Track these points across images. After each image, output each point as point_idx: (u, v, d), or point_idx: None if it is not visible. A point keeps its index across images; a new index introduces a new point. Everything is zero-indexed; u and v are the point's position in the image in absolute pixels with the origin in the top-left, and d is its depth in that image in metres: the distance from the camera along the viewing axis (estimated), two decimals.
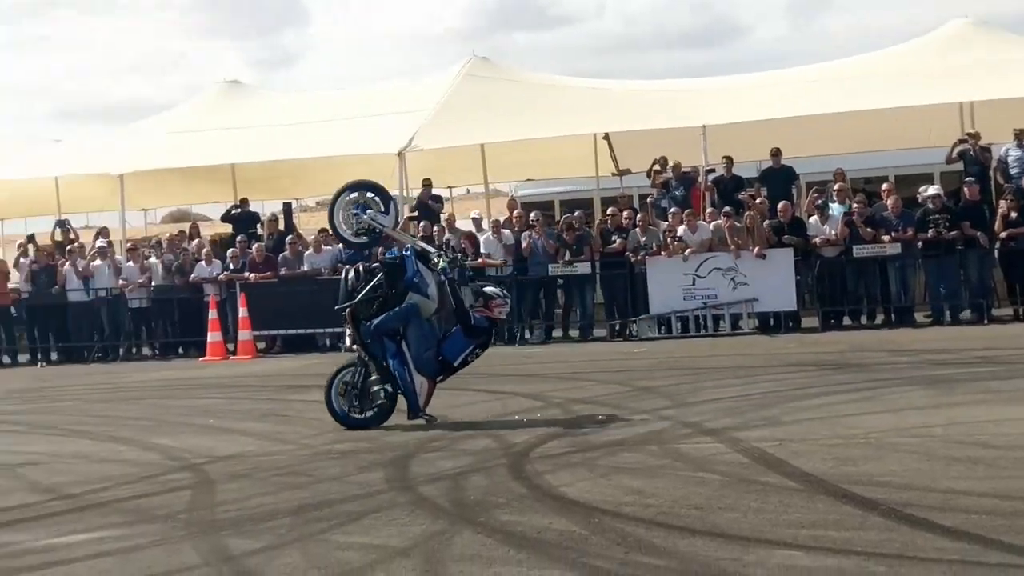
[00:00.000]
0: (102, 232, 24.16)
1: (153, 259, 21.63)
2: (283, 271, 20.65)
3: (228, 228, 24.82)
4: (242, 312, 19.76)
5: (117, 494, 8.21)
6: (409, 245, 10.90)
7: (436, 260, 10.51)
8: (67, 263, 21.38)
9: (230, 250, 21.18)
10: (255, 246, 21.05)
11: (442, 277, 10.48)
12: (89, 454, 10.08)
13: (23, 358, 21.87)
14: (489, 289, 10.72)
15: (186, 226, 27.94)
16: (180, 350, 21.16)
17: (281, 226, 23.31)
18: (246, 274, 20.48)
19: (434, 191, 22.50)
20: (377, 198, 11.25)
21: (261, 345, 20.42)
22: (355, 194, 11.26)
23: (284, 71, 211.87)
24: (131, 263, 21.45)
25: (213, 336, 19.75)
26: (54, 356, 21.50)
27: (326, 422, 11.07)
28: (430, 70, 29.75)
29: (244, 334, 19.74)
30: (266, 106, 26.50)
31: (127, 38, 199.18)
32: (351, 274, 10.71)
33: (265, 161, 24.53)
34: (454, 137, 22.63)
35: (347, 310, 10.50)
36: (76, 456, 10.01)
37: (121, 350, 21.27)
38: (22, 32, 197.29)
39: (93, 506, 7.84)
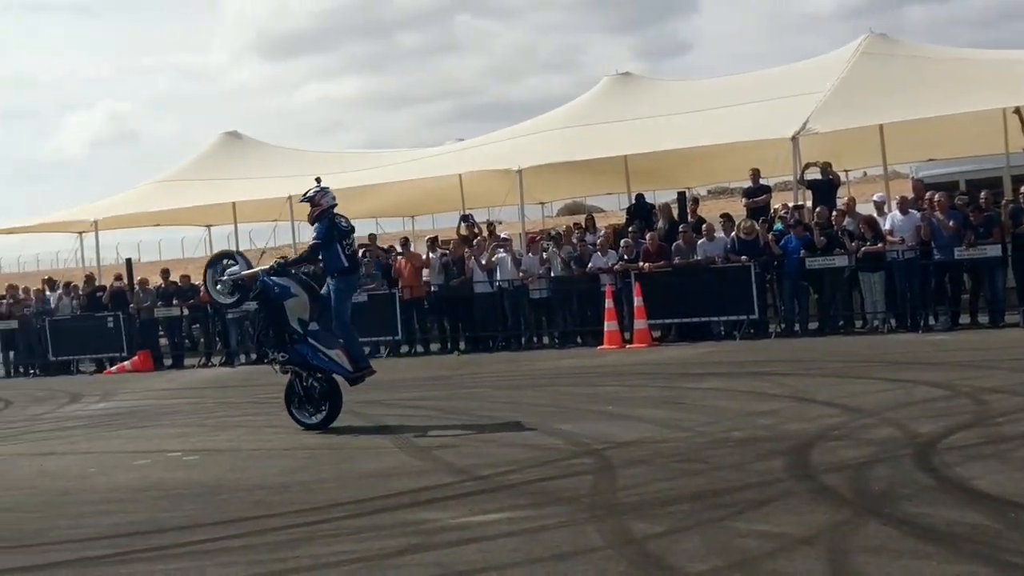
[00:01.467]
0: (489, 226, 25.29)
1: (552, 250, 22.32)
2: (676, 260, 20.79)
3: (622, 218, 25.25)
4: (637, 301, 20.06)
5: (524, 476, 8.58)
6: (260, 274, 12.24)
7: (273, 266, 12.15)
8: (472, 256, 22.47)
9: (623, 240, 21.53)
10: (648, 236, 21.30)
11: (293, 271, 12.30)
12: (497, 438, 10.58)
13: (434, 347, 23.17)
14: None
15: (581, 218, 28.74)
16: (578, 339, 21.73)
17: (675, 215, 23.44)
18: (640, 263, 20.77)
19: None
20: (228, 260, 12.94)
21: (656, 333, 20.67)
22: (211, 269, 12.85)
23: (674, 60, 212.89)
24: (531, 255, 22.28)
25: (610, 325, 20.16)
26: (462, 345, 22.62)
27: (723, 409, 11.15)
28: (822, 50, 29.00)
29: (639, 323, 20.04)
30: (657, 96, 26.73)
31: (521, 39, 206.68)
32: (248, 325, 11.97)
33: (657, 151, 24.74)
34: (851, 118, 21.95)
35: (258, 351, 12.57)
36: (486, 440, 10.53)
37: (523, 339, 22.12)
38: (428, 38, 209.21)
39: (503, 487, 8.23)
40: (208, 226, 36.23)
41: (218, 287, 12.67)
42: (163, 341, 25.89)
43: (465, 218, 27.22)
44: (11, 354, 26.96)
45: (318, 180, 12.68)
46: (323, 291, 12.38)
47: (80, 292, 26.52)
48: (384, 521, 7.43)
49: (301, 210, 27.39)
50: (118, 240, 39.47)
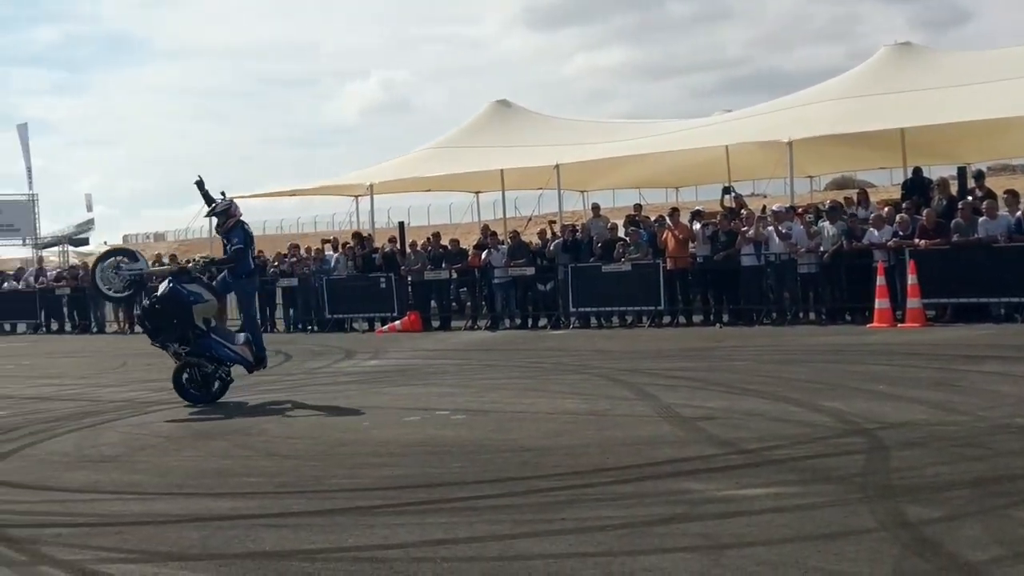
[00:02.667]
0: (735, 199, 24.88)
1: (823, 224, 21.74)
2: (955, 237, 19.89)
3: (893, 194, 24.36)
4: (911, 279, 19.30)
5: (791, 452, 8.39)
6: (169, 277, 13.28)
7: (193, 267, 13.48)
8: (741, 228, 22.15)
9: (898, 215, 20.74)
10: (925, 212, 20.46)
11: (204, 277, 13.37)
12: (762, 412, 10.39)
13: (697, 318, 22.99)
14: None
15: (851, 192, 27.89)
16: (847, 316, 21.12)
17: (954, 191, 22.43)
18: (916, 240, 19.98)
19: None
20: (124, 257, 13.83)
21: (931, 313, 19.87)
22: (107, 262, 13.73)
23: (955, 30, 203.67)
24: (800, 228, 21.75)
25: (881, 303, 19.50)
26: (725, 317, 22.35)
27: (1005, 394, 10.66)
28: None
29: (913, 301, 19.28)
30: (937, 67, 25.65)
31: (793, 8, 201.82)
32: (141, 315, 13.40)
33: (936, 125, 23.73)
34: None
35: (155, 344, 13.27)
36: (750, 413, 10.36)
37: (788, 314, 21.67)
38: (697, 8, 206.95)
39: (768, 462, 8.08)
40: (476, 192, 37.04)
41: (111, 281, 13.68)
42: (432, 303, 26.65)
43: (727, 190, 26.89)
44: (291, 311, 28.32)
45: (223, 194, 13.77)
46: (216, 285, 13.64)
47: (355, 252, 27.58)
48: (648, 489, 7.42)
49: (568, 179, 28.22)
50: (390, 204, 40.95)
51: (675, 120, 33.44)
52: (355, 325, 26.98)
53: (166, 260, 22.66)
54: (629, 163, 30.03)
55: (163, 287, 13.15)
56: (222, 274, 13.65)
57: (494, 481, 7.86)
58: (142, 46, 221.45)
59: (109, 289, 13.87)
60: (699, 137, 28.27)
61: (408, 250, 27.33)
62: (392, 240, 28.23)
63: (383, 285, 26.19)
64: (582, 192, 35.32)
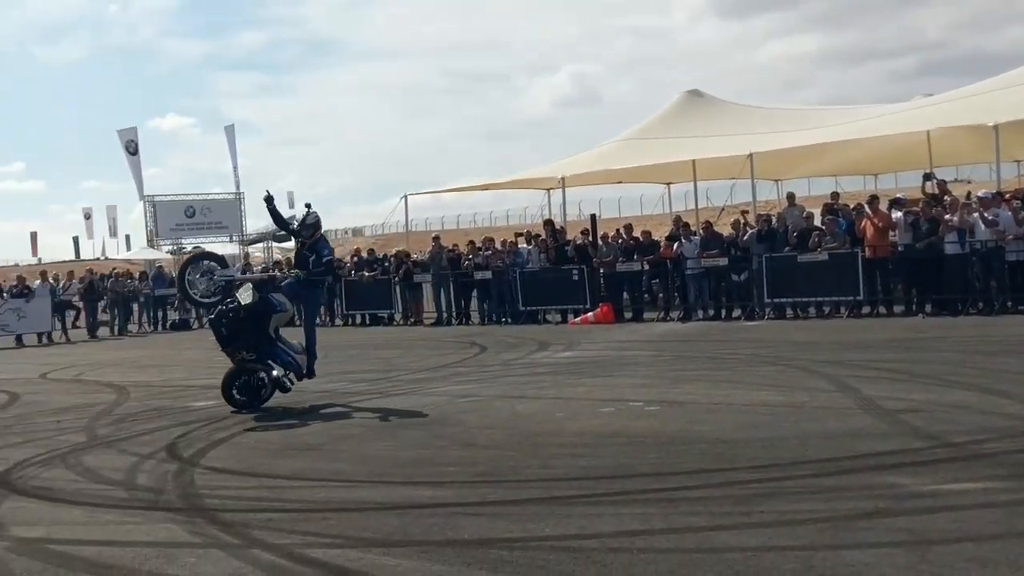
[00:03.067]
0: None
1: None
2: None
3: None
4: None
5: (1001, 447, 8.10)
6: (253, 285, 13.36)
7: (284, 274, 13.96)
8: (943, 216, 21.40)
9: None
10: None
11: (291, 279, 13.62)
12: (970, 405, 10.04)
13: (898, 309, 22.32)
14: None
15: None
16: None
17: None
18: None
19: None
20: (212, 262, 14.09)
21: None
22: (195, 265, 13.93)
23: None
24: (1009, 214, 20.87)
25: None
26: (928, 307, 21.62)
27: None
28: None
29: None
30: None
31: None
32: (216, 321, 13.18)
33: None
34: None
35: (225, 351, 13.16)
36: (956, 406, 10.01)
37: (995, 303, 20.83)
38: None
39: (977, 456, 7.81)
40: (667, 184, 36.82)
41: (197, 286, 13.77)
42: (624, 295, 26.60)
43: (928, 176, 26.04)
44: (485, 303, 28.64)
45: (308, 206, 13.74)
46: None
47: (547, 244, 27.72)
48: (849, 483, 7.25)
49: (761, 168, 27.79)
50: (581, 197, 41.06)
51: (873, 105, 32.57)
52: (548, 317, 27.12)
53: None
54: (825, 151, 29.37)
55: (249, 295, 13.25)
56: (287, 280, 13.81)
57: (690, 473, 7.82)
58: (341, 47, 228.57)
59: (195, 293, 13.93)
60: (898, 122, 27.45)
61: (600, 242, 27.32)
62: (584, 232, 28.27)
63: (575, 277, 26.27)
64: (776, 181, 34.74)
